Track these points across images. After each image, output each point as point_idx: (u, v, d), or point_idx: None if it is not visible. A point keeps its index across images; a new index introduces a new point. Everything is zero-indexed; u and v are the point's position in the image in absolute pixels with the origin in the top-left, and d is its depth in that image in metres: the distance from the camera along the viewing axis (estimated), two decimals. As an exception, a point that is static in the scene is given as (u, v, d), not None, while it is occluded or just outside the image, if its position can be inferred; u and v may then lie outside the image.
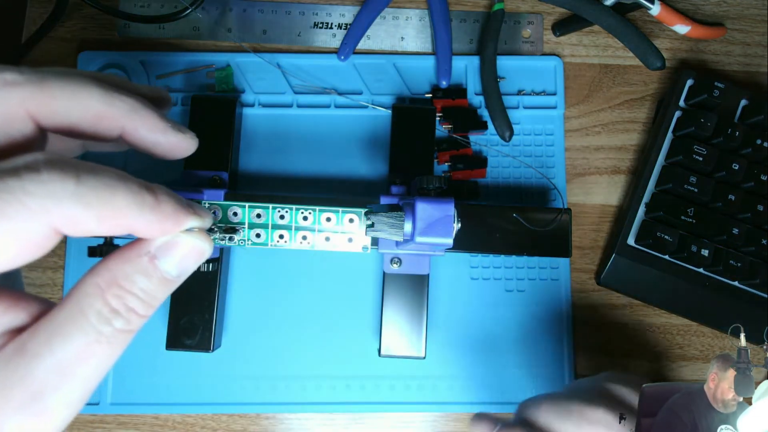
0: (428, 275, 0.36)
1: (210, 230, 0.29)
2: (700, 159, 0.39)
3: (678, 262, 0.39)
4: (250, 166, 0.40)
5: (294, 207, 0.32)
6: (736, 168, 0.39)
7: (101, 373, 0.17)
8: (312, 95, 0.41)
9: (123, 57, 0.40)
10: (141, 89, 0.23)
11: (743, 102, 0.41)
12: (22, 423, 0.16)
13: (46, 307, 0.18)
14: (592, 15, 0.41)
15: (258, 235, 0.26)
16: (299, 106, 0.41)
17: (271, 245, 0.25)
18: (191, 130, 0.37)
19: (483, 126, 0.41)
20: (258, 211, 0.25)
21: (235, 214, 0.25)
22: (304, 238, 0.33)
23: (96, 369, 0.17)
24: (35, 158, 0.17)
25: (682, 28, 0.43)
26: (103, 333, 0.17)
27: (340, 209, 0.33)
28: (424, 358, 0.36)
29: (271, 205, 0.32)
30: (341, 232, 0.33)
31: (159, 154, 0.22)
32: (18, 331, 0.17)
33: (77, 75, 0.19)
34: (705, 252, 0.38)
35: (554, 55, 0.43)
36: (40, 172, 0.16)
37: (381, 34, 0.43)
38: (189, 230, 0.19)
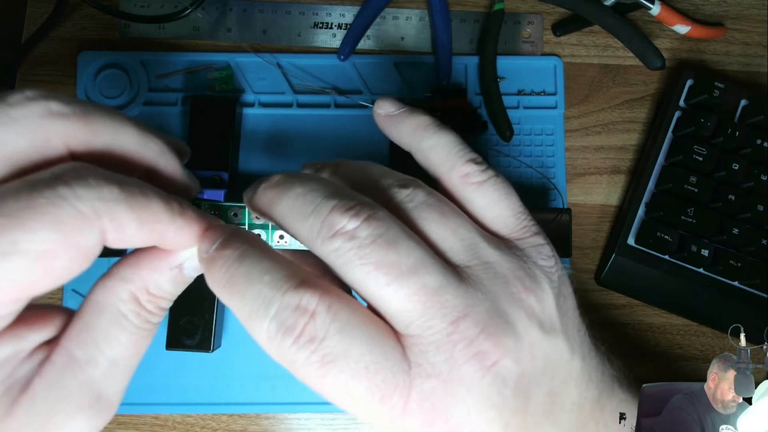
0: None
1: None
2: (700, 159, 0.39)
3: (678, 262, 0.39)
4: (250, 166, 0.40)
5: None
6: (736, 168, 0.39)
7: (142, 355, 0.20)
8: (312, 95, 0.41)
9: (123, 57, 0.40)
10: (164, 137, 0.23)
11: (743, 102, 0.41)
12: (90, 419, 0.18)
13: (67, 316, 0.19)
14: (592, 15, 0.41)
15: (258, 236, 0.25)
16: (299, 106, 0.41)
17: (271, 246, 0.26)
18: (191, 130, 0.38)
19: (483, 126, 0.41)
20: (258, 211, 0.25)
21: (235, 215, 0.25)
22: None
23: (140, 356, 0.20)
24: (73, 166, 0.17)
25: (682, 28, 0.43)
26: (144, 328, 0.19)
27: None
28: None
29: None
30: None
31: None
32: (48, 342, 0.18)
33: (117, 112, 0.19)
34: (705, 252, 0.38)
35: (554, 55, 0.43)
36: (85, 178, 0.16)
37: (381, 34, 0.43)
38: None
